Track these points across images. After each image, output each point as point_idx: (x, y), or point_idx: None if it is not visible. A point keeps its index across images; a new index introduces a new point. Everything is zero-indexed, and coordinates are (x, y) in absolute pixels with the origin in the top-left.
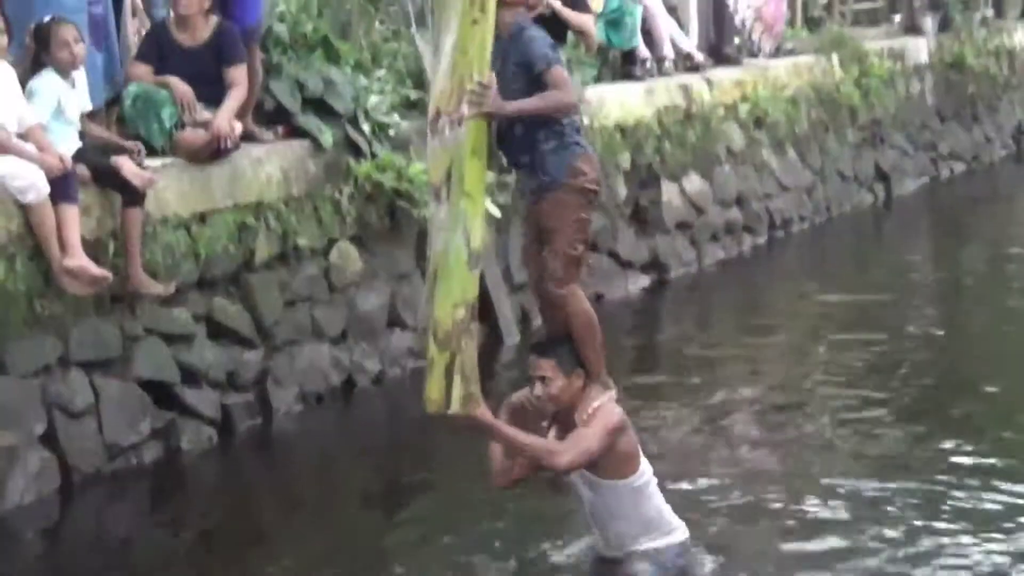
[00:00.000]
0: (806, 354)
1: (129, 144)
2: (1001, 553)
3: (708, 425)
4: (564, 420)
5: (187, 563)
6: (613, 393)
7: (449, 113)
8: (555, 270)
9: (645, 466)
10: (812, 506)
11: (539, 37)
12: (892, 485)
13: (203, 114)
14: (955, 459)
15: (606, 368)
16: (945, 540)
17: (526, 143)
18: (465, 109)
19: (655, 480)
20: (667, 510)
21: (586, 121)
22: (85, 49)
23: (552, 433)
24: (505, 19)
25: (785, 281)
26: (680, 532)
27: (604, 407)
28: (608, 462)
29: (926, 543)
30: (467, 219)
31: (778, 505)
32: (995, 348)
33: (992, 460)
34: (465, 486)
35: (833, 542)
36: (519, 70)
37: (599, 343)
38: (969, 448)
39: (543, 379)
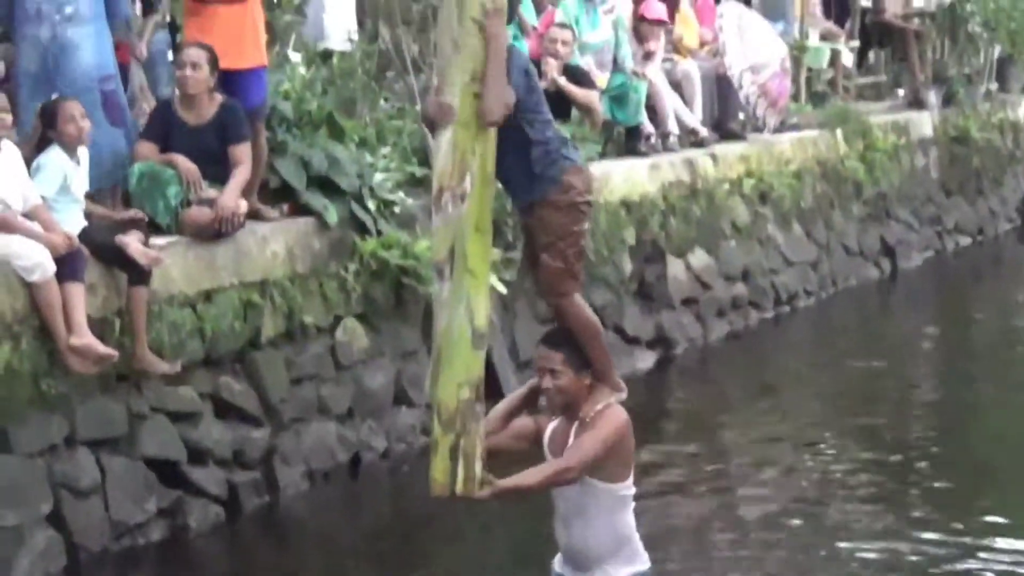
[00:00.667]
0: (812, 435)
1: (131, 212)
2: None
3: (712, 501)
4: (570, 415)
5: None
6: (623, 395)
7: (451, 188)
8: (552, 283)
9: (631, 481)
10: None
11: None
12: None
13: (208, 192)
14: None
15: None
16: None
17: (516, 160)
18: (468, 184)
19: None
20: (637, 537)
21: (591, 197)
22: (91, 126)
23: (554, 424)
24: None
25: (791, 357)
26: (646, 561)
27: (610, 409)
28: (602, 463)
29: None
30: (470, 297)
31: None
32: (1003, 427)
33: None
34: (471, 563)
35: None
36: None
37: (604, 345)
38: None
39: (552, 371)
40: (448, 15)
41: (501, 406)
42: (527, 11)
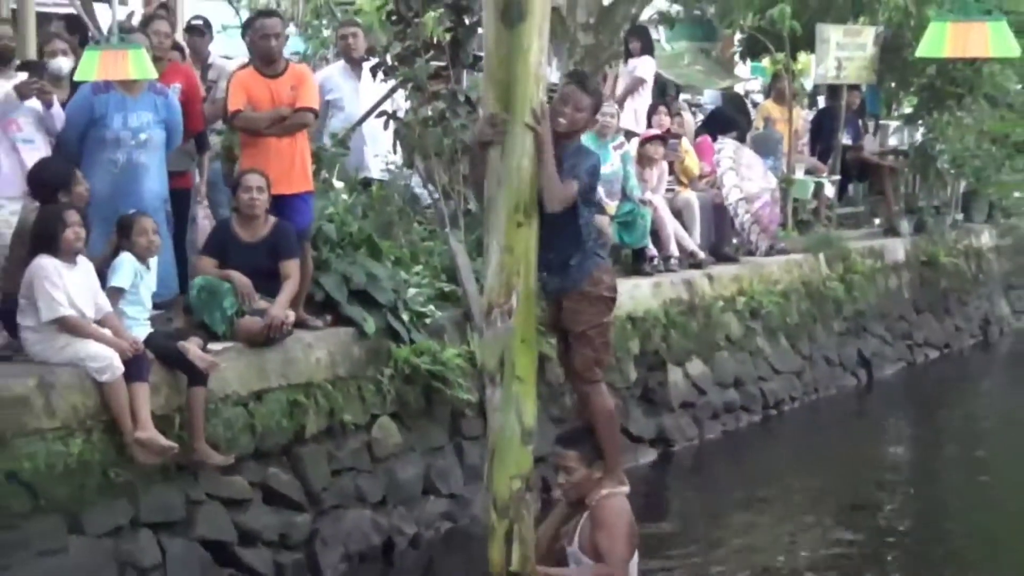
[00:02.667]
0: (791, 524)
1: (195, 338)
2: None
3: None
4: (580, 505)
5: None
6: (626, 489)
7: (500, 306)
8: (581, 370)
9: (636, 558)
10: None
11: (583, 157)
12: None
13: (260, 303)
14: None
15: None
16: None
17: (556, 249)
18: (514, 301)
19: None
20: None
21: (616, 293)
22: (161, 241)
23: (559, 509)
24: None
25: (778, 456)
26: None
27: (616, 500)
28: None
29: None
30: (520, 401)
31: None
32: (969, 518)
33: None
34: None
35: None
36: (561, 171)
37: (617, 436)
38: None
39: (567, 468)
40: (494, 155)
41: (547, 530)
42: None
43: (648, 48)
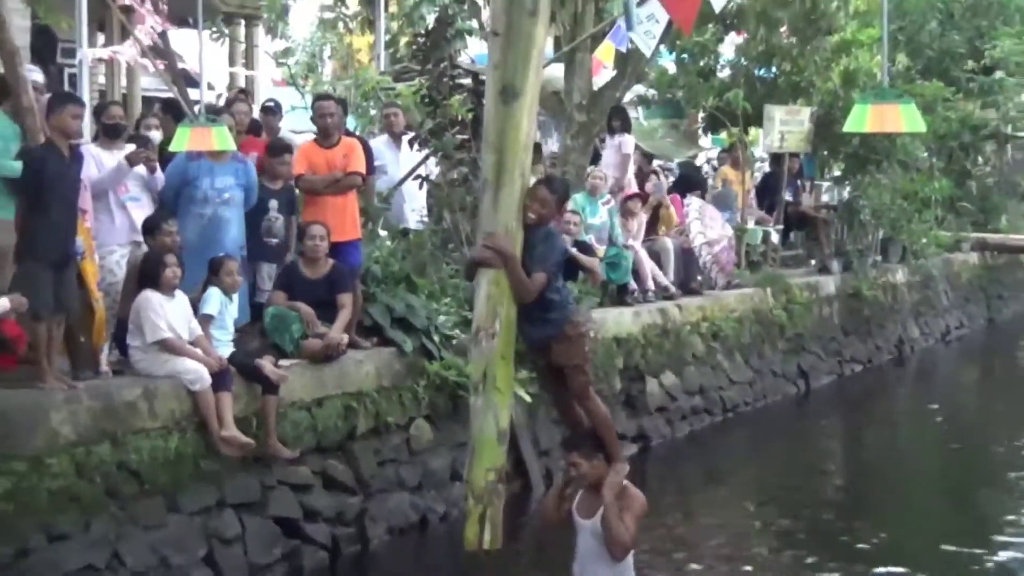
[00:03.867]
0: (749, 505)
1: (268, 356)
2: None
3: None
4: (595, 489)
5: None
6: (627, 467)
7: (485, 329)
8: (580, 393)
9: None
10: None
11: (551, 243)
12: None
13: (321, 328)
14: None
15: None
16: None
17: (535, 310)
18: (497, 326)
19: None
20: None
21: (592, 335)
22: (241, 279)
23: (580, 494)
24: (544, 222)
25: (734, 450)
26: None
27: (633, 490)
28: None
29: None
30: (497, 407)
31: None
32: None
33: None
34: None
35: None
36: (533, 256)
37: (614, 431)
38: None
39: (574, 464)
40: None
41: (551, 500)
42: None
43: (627, 125)
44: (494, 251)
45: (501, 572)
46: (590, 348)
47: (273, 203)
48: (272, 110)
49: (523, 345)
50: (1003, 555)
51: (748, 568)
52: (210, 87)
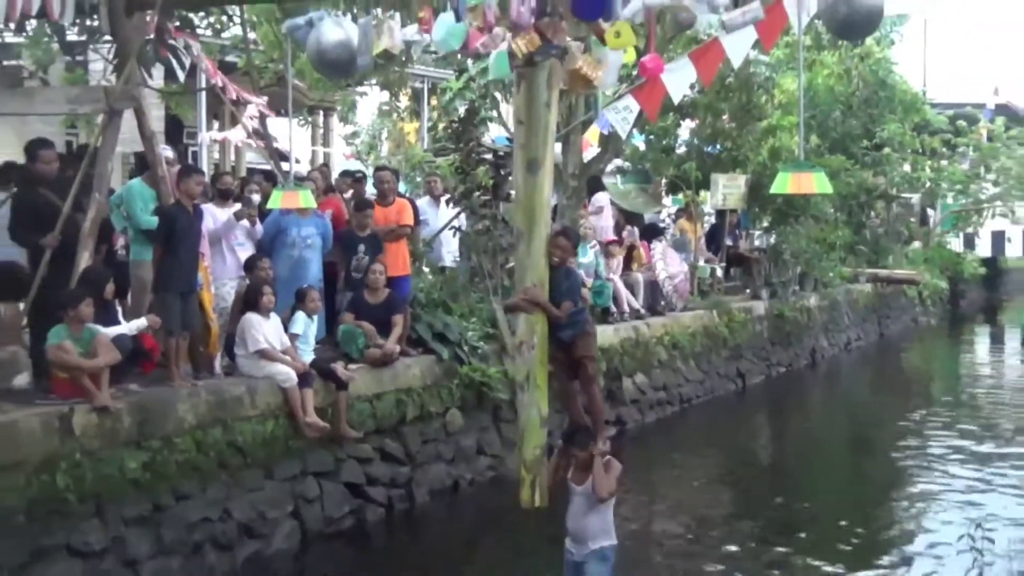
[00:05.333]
0: (701, 478)
1: (340, 362)
2: None
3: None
4: (586, 464)
5: None
6: (607, 444)
7: (527, 341)
8: (589, 379)
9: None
10: None
11: (572, 278)
12: None
13: (379, 341)
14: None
15: None
16: None
17: (567, 318)
18: (535, 339)
19: None
20: (613, 525)
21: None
22: (320, 305)
23: (574, 467)
24: (565, 262)
25: (691, 433)
26: (615, 539)
27: (612, 462)
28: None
29: None
30: (538, 401)
31: None
32: (813, 477)
33: None
34: (530, 537)
35: None
36: (561, 292)
37: (603, 418)
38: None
39: (574, 456)
40: (522, 251)
41: (552, 470)
42: None
43: (601, 187)
44: (528, 302)
45: (526, 520)
46: (595, 344)
47: (361, 247)
48: (360, 179)
49: (552, 347)
50: (886, 507)
51: (697, 516)
52: (297, 161)
